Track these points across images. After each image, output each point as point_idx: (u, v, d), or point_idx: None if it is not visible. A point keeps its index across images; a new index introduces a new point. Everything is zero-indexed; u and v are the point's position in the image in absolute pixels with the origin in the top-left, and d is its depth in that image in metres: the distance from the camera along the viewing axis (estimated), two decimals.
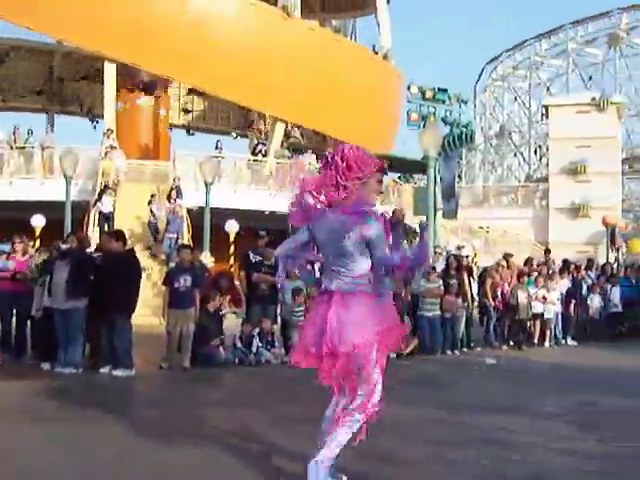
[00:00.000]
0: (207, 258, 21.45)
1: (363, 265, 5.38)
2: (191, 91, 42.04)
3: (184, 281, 12.93)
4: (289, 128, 38.59)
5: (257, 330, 13.87)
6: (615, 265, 27.35)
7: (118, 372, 11.66)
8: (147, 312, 18.68)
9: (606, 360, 14.98)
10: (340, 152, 5.39)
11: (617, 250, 35.50)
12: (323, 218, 5.47)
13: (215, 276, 15.96)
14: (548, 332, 18.21)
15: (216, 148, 34.60)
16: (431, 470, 6.37)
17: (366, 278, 5.41)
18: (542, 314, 18.01)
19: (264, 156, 35.19)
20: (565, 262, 20.61)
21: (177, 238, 24.05)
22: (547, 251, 22.06)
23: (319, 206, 5.49)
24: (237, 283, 15.22)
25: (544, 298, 17.93)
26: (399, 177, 46.62)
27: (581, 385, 11.37)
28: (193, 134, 45.06)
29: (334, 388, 5.55)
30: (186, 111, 43.61)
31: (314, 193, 5.46)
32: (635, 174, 55.08)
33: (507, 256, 19.28)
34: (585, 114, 41.13)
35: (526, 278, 18.19)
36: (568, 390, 10.74)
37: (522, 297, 17.64)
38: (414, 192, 24.31)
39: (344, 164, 5.31)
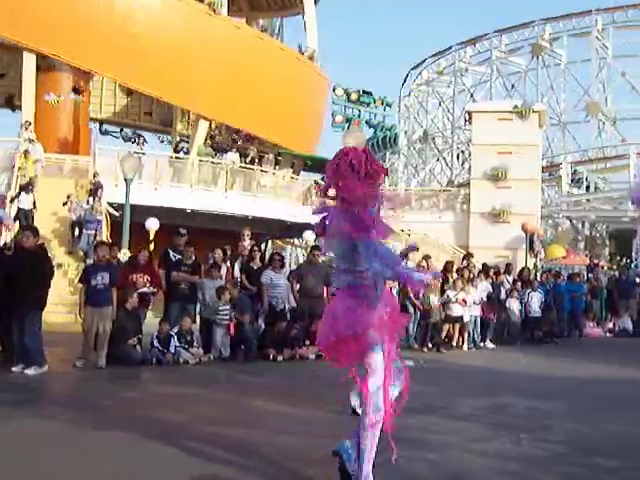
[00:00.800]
0: (126, 256, 21.15)
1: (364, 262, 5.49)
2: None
3: (101, 279, 12.70)
4: (213, 126, 38.41)
5: (176, 329, 13.72)
6: (533, 271, 27.74)
7: (30, 370, 11.38)
8: (63, 310, 18.37)
9: (522, 364, 15.15)
10: (352, 155, 5.45)
11: (535, 256, 36.01)
12: (334, 223, 5.57)
13: (134, 255, 15.75)
14: (466, 335, 18.33)
15: (138, 144, 34.18)
16: None
17: (368, 273, 5.49)
18: (461, 317, 18.11)
19: (186, 154, 34.92)
20: (484, 266, 20.83)
21: (95, 235, 23.67)
22: (469, 255, 22.19)
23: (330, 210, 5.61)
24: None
25: (464, 301, 18.03)
26: (322, 178, 46.75)
27: (498, 387, 11.46)
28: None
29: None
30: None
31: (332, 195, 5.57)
32: (554, 182, 55.91)
33: (426, 258, 19.34)
34: (507, 121, 41.48)
35: (439, 282, 18.24)
36: (485, 392, 10.82)
37: (434, 300, 17.74)
38: None
39: (357, 166, 5.39)
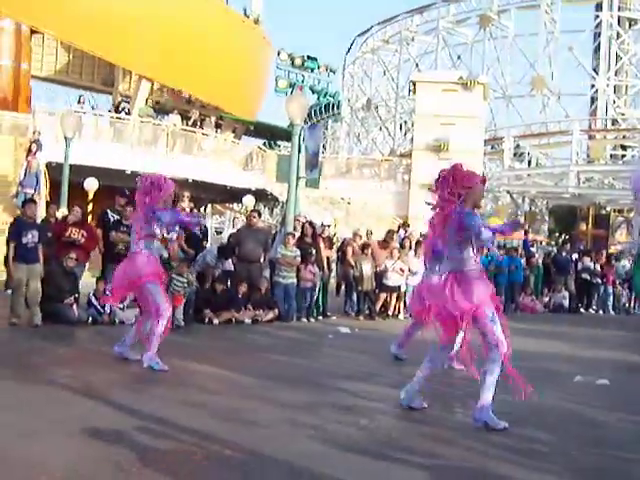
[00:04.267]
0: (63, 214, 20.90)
1: (469, 252, 7.10)
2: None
3: (32, 236, 12.55)
4: (155, 87, 38.02)
5: None
6: None
7: None
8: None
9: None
10: (452, 169, 7.05)
11: None
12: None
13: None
14: (402, 304, 18.33)
15: (78, 103, 33.71)
16: (282, 432, 6.46)
17: (472, 260, 7.14)
18: (398, 287, 18.13)
19: (127, 114, 34.56)
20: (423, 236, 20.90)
21: (34, 194, 23.32)
22: (405, 224, 22.24)
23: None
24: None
25: (402, 270, 18.01)
26: (264, 143, 46.56)
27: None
28: None
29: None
30: None
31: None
32: (496, 155, 56.23)
33: (367, 233, 19.41)
34: (451, 92, 41.52)
35: (370, 250, 18.17)
36: (418, 361, 10.87)
37: (367, 269, 17.69)
38: (278, 159, 24.18)
39: (452, 178, 6.97)
